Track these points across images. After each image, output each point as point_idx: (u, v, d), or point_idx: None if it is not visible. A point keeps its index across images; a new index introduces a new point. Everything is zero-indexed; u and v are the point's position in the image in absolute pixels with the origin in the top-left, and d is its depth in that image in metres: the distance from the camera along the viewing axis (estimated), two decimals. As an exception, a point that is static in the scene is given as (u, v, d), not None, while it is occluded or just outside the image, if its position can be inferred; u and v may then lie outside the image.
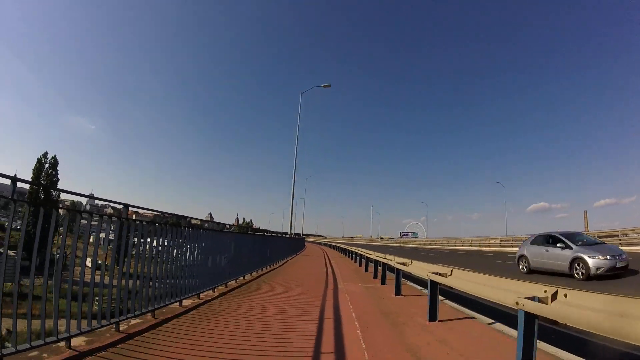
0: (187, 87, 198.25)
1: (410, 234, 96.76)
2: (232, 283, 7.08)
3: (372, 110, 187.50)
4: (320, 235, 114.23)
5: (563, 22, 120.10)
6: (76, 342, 2.85)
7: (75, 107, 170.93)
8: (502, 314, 4.70)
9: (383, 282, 8.21)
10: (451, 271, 4.48)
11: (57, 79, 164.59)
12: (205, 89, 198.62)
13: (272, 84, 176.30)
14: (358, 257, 12.70)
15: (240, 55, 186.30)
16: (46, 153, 33.43)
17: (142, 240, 3.85)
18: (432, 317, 4.57)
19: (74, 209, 2.99)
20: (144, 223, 3.89)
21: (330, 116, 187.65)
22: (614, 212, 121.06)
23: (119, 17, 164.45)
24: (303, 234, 44.16)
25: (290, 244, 16.67)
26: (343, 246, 25.49)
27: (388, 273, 8.51)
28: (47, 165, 33.04)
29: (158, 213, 4.79)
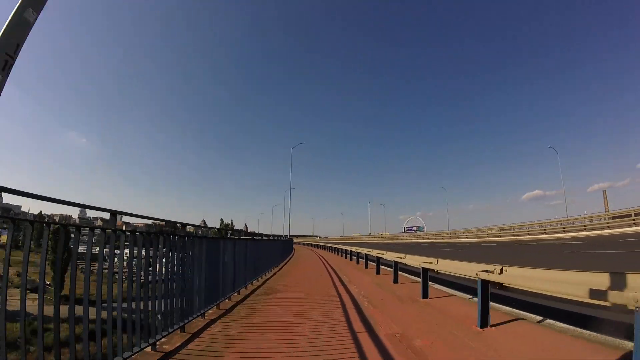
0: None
1: (415, 228, 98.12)
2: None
3: (365, 107, 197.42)
4: (317, 236, 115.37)
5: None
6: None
7: (65, 121, 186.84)
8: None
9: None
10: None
11: (44, 93, 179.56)
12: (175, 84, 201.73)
13: (261, 77, 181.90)
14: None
15: (231, 55, 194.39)
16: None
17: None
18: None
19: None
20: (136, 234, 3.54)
21: (326, 114, 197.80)
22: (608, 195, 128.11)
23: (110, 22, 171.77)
24: (290, 236, 40.55)
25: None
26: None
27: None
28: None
29: (150, 222, 4.93)
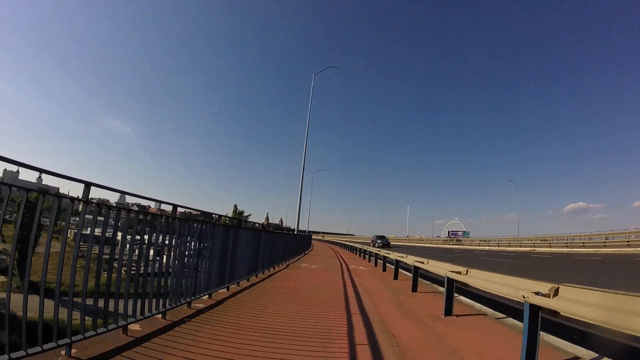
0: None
1: (460, 233, 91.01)
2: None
3: (405, 115, 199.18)
4: (353, 235, 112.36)
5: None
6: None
7: (112, 110, 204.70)
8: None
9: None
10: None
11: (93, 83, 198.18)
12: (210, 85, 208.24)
13: (296, 84, 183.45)
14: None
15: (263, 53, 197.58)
16: None
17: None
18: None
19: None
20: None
21: (366, 122, 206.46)
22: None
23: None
24: (309, 231, 40.52)
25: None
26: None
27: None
28: None
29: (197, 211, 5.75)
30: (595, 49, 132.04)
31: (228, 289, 6.29)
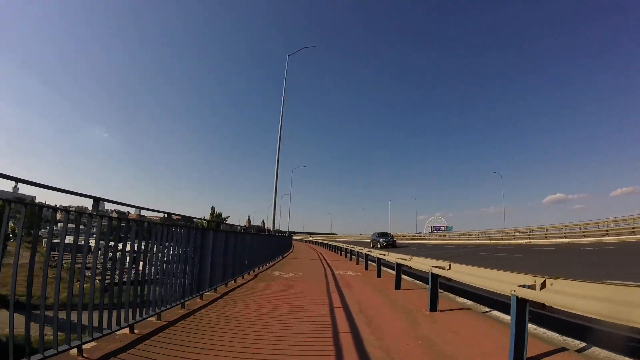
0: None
1: (442, 228, 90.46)
2: None
3: (386, 111, 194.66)
4: (335, 234, 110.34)
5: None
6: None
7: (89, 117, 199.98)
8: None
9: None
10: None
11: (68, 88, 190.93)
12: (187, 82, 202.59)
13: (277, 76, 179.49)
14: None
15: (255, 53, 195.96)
16: None
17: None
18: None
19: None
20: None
21: (347, 119, 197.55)
22: (632, 200, 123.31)
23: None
24: (290, 232, 39.50)
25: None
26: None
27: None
28: None
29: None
30: (574, 39, 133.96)
31: (132, 330, 3.68)
